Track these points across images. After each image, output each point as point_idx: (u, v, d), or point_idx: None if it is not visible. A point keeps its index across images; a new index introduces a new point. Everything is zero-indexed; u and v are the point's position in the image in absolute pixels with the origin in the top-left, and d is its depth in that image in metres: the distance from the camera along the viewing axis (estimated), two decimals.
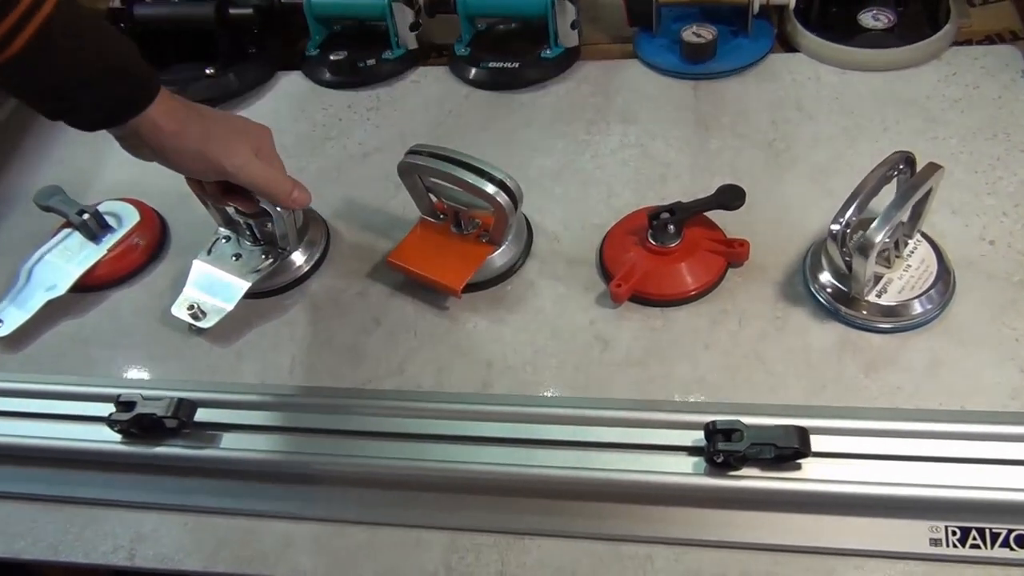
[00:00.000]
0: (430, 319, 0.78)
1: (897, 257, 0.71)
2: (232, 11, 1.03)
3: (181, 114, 0.69)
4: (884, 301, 0.69)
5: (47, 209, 0.87)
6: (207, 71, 1.04)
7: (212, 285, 0.81)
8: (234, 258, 0.82)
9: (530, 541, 0.63)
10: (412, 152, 0.75)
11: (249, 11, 1.03)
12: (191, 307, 0.80)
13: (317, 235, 0.85)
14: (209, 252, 0.83)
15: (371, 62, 1.03)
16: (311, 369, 0.75)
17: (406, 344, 0.76)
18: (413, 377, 0.74)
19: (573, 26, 0.97)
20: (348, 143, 0.97)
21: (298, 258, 0.83)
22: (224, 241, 0.84)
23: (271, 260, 0.81)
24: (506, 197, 0.72)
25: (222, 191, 0.77)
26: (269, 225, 0.80)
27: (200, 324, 0.79)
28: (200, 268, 0.82)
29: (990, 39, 0.94)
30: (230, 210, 0.82)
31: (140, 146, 0.70)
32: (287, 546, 0.65)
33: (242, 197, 0.77)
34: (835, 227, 0.67)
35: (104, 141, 1.01)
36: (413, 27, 1.03)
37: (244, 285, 0.80)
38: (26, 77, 0.63)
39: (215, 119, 0.72)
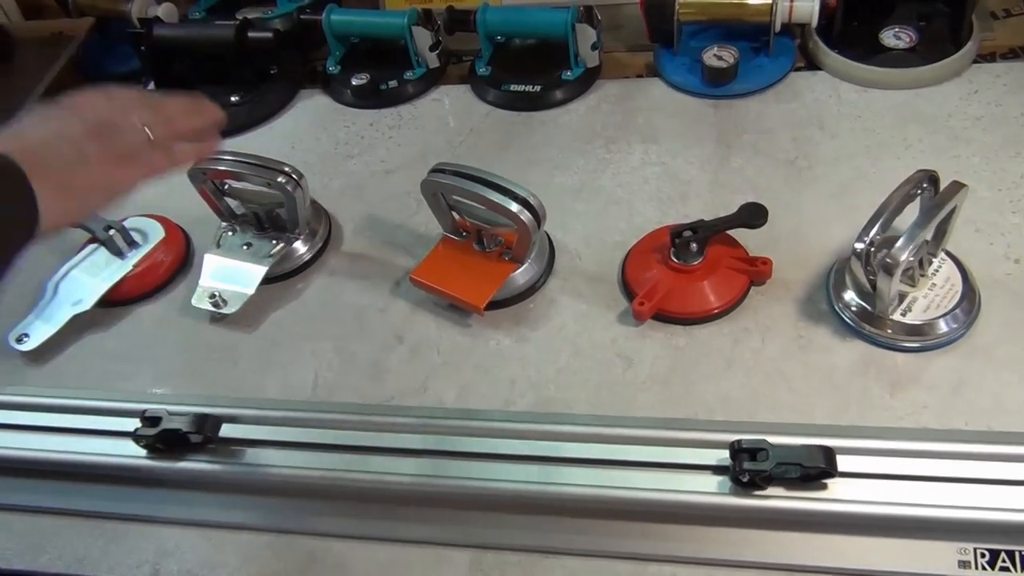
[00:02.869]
0: (453, 336, 0.78)
1: (922, 276, 0.70)
2: (252, 35, 1.04)
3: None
4: (909, 320, 0.69)
5: (73, 224, 0.88)
6: (231, 99, 1.05)
7: (228, 274, 0.84)
8: (245, 247, 0.85)
9: (555, 560, 0.63)
10: (435, 170, 0.76)
11: (268, 35, 1.04)
12: (212, 296, 0.82)
13: (319, 217, 0.89)
14: (218, 245, 0.86)
15: (393, 84, 1.04)
16: (334, 386, 0.76)
17: (429, 361, 0.76)
18: (436, 394, 0.74)
19: (594, 47, 0.98)
20: (370, 161, 0.97)
21: (301, 245, 0.86)
22: (230, 233, 0.87)
23: (282, 244, 0.84)
24: (529, 215, 0.72)
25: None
26: (274, 211, 0.83)
27: (223, 311, 0.81)
28: (212, 260, 0.85)
29: (1014, 52, 0.94)
30: (232, 204, 0.86)
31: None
32: (311, 562, 0.65)
33: None
34: (859, 245, 0.67)
35: None
36: (433, 47, 1.04)
37: (261, 270, 0.83)
38: None
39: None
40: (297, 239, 0.85)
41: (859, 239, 0.67)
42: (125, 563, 0.68)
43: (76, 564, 0.68)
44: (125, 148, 0.62)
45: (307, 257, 0.86)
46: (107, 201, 0.62)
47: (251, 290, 0.82)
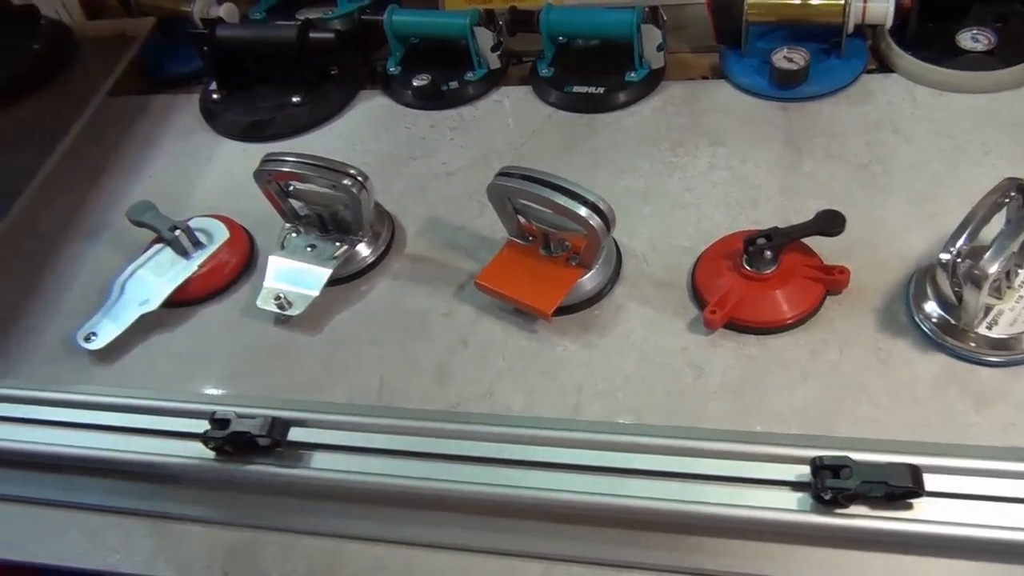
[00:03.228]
0: (518, 342, 0.77)
1: (1008, 288, 0.68)
2: (313, 35, 1.04)
3: None
4: (994, 333, 0.67)
5: (139, 224, 0.88)
6: (293, 100, 1.05)
7: (293, 276, 0.83)
8: (309, 249, 0.85)
9: (626, 574, 0.62)
10: (502, 174, 0.75)
11: (330, 36, 1.03)
12: (277, 298, 0.82)
13: (382, 225, 0.88)
14: (282, 247, 0.85)
15: (454, 85, 1.03)
16: (400, 390, 0.75)
17: (494, 367, 0.76)
18: (502, 400, 0.73)
19: (659, 48, 0.96)
20: (432, 162, 0.97)
21: (364, 248, 0.86)
22: (294, 235, 0.86)
23: (345, 246, 0.84)
24: (599, 220, 0.71)
25: None
26: (339, 213, 0.83)
27: (288, 312, 0.81)
28: (277, 262, 0.85)
29: None
30: (296, 205, 0.85)
31: None
32: (378, 569, 0.65)
33: None
34: (945, 256, 0.65)
35: (194, 159, 1.04)
36: (495, 48, 1.03)
37: (326, 272, 0.82)
38: None
39: None
40: (360, 241, 0.85)
41: (945, 249, 0.65)
42: (195, 566, 0.68)
43: (145, 565, 0.69)
44: None
45: (370, 259, 0.86)
46: None
47: (316, 292, 0.82)
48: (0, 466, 0.76)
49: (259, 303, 0.82)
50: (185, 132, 1.09)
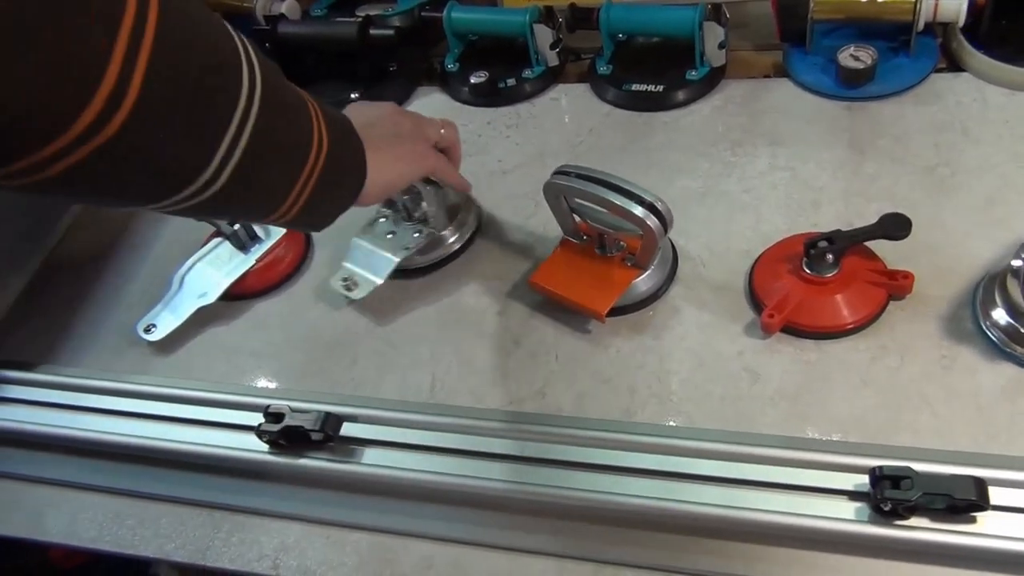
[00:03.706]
0: (571, 342, 0.76)
1: None
2: (373, 32, 1.04)
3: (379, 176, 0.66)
4: None
5: (199, 218, 0.90)
6: (351, 96, 1.06)
7: (367, 260, 0.84)
8: (389, 235, 0.85)
9: None
10: (559, 172, 0.74)
11: (390, 33, 1.04)
12: (345, 279, 0.83)
13: (468, 213, 0.87)
14: (368, 230, 0.86)
15: (511, 82, 1.03)
16: (451, 389, 0.75)
17: (547, 367, 0.75)
18: (554, 400, 0.72)
19: (721, 46, 0.95)
20: (487, 160, 0.96)
21: (449, 235, 0.85)
22: (382, 220, 0.86)
23: (420, 237, 0.84)
24: (656, 220, 0.70)
25: None
26: (423, 204, 0.82)
27: (352, 295, 0.82)
28: (358, 244, 0.85)
29: None
30: None
31: None
32: (427, 567, 0.65)
33: None
34: (1017, 263, 0.63)
35: None
36: (553, 45, 1.03)
37: (394, 260, 0.82)
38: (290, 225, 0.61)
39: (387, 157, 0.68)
40: (438, 234, 0.85)
41: (1017, 255, 0.63)
42: (246, 556, 0.69)
43: (200, 554, 0.70)
44: (424, 134, 0.75)
45: (456, 246, 0.86)
46: (410, 178, 0.73)
47: (380, 279, 0.82)
48: (60, 453, 0.78)
49: (331, 282, 0.83)
50: None
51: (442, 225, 0.85)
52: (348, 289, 0.82)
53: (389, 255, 0.83)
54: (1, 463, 0.80)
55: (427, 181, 0.79)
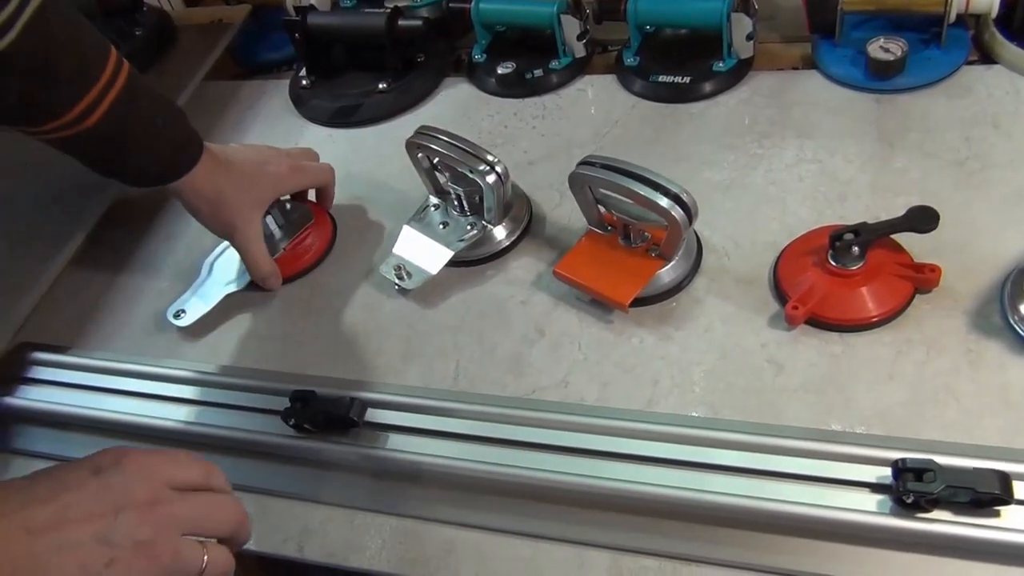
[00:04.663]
0: (594, 332, 0.77)
1: None
2: (402, 23, 1.05)
3: (214, 180, 0.80)
4: None
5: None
6: (379, 87, 1.07)
7: (419, 249, 0.84)
8: (441, 226, 0.85)
9: (697, 568, 0.61)
10: (584, 163, 0.74)
11: (419, 23, 1.05)
12: (397, 268, 0.83)
13: (521, 211, 0.87)
14: (419, 218, 0.86)
15: (538, 73, 1.03)
16: (475, 377, 0.76)
17: (570, 356, 0.75)
18: (577, 390, 0.73)
19: (749, 37, 0.94)
20: (514, 151, 0.97)
21: (500, 232, 0.85)
22: (433, 209, 0.87)
23: (475, 231, 0.84)
24: (681, 211, 0.70)
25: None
26: (478, 197, 0.82)
27: (404, 285, 0.83)
28: (409, 233, 0.86)
29: None
30: (441, 179, 0.86)
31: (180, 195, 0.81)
32: (449, 552, 0.66)
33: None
34: None
35: (283, 143, 1.06)
36: (580, 36, 1.03)
37: (448, 253, 0.83)
38: (90, 147, 0.73)
39: (237, 184, 0.82)
40: (492, 228, 0.84)
41: None
42: (272, 538, 0.70)
43: None
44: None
45: (507, 243, 0.86)
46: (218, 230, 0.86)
47: (434, 271, 0.82)
48: (90, 433, 0.80)
49: (381, 270, 0.84)
50: (274, 117, 1.11)
51: (497, 221, 0.84)
52: (400, 279, 0.83)
53: (443, 248, 0.83)
54: (32, 442, 0.81)
55: (478, 176, 0.79)
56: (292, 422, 0.71)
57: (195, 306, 0.87)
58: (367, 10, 1.11)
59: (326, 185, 0.92)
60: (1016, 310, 0.67)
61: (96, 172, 0.77)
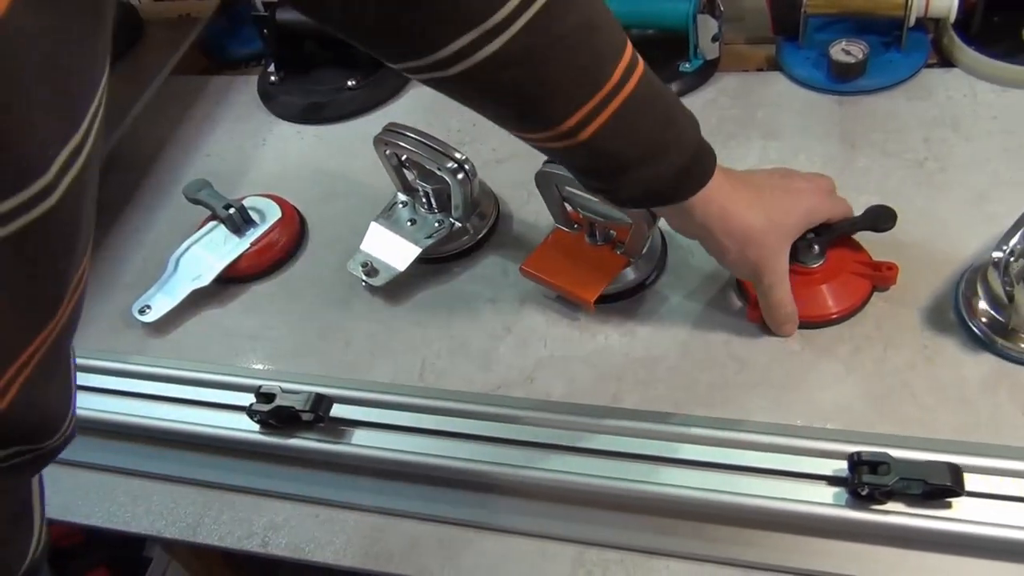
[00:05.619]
0: (561, 329, 0.77)
1: None
2: None
3: (734, 197, 0.64)
4: None
5: (195, 202, 0.90)
6: (349, 83, 1.06)
7: (386, 246, 0.84)
8: (409, 223, 0.85)
9: (659, 561, 0.62)
10: (550, 161, 0.75)
11: None
12: (365, 264, 0.83)
13: (489, 209, 0.87)
14: (387, 215, 0.86)
15: None
16: (442, 372, 0.76)
17: (536, 353, 0.76)
18: (543, 386, 0.73)
19: (714, 39, 0.95)
20: (483, 149, 0.97)
21: (467, 229, 0.85)
22: (401, 206, 0.87)
23: (443, 228, 0.84)
24: (645, 210, 0.71)
25: None
26: (446, 194, 0.83)
27: (371, 281, 0.83)
28: (376, 230, 0.85)
29: None
30: (410, 176, 0.86)
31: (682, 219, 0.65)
32: (414, 546, 0.66)
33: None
34: (998, 254, 0.64)
35: (250, 139, 1.06)
36: None
37: (416, 250, 0.83)
38: (578, 159, 0.60)
39: (771, 204, 0.66)
40: (459, 225, 0.85)
41: (998, 248, 0.64)
42: (236, 533, 0.70)
43: (190, 531, 0.71)
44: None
45: (474, 241, 0.86)
46: (742, 268, 0.69)
47: (401, 268, 0.82)
48: None
49: (349, 266, 0.84)
50: (243, 113, 1.11)
51: (465, 218, 0.85)
52: (368, 275, 0.83)
53: (411, 245, 0.83)
54: None
55: (446, 174, 0.79)
56: (257, 418, 0.71)
57: (161, 302, 0.86)
58: None
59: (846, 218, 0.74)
60: (970, 308, 0.69)
61: (580, 183, 0.66)
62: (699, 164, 0.61)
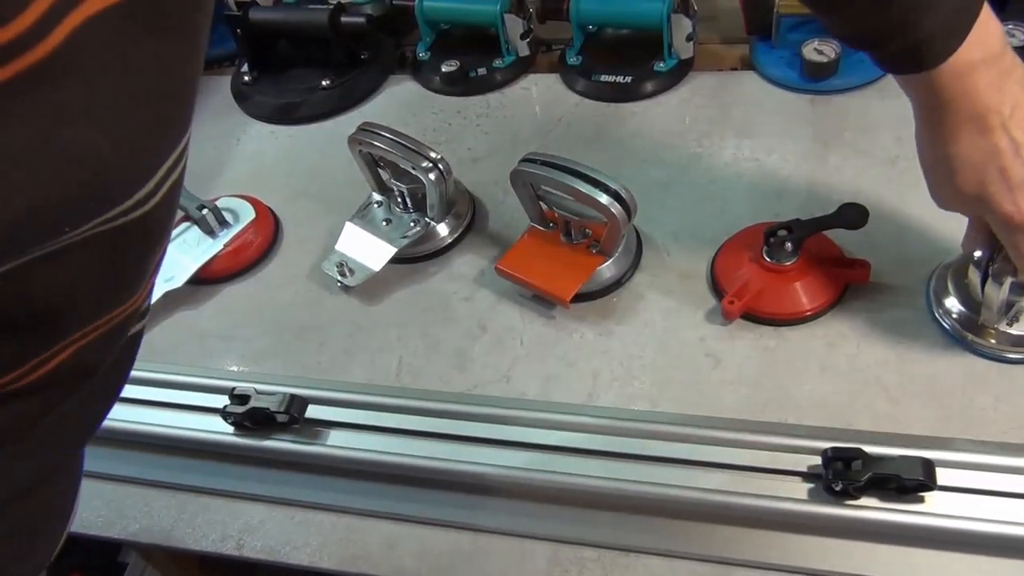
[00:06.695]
0: (537, 328, 0.77)
1: None
2: (344, 20, 1.04)
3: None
4: (1015, 330, 0.66)
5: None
6: (323, 83, 1.06)
7: (361, 246, 0.84)
8: (384, 223, 0.85)
9: (635, 558, 0.62)
10: (525, 160, 0.75)
11: (362, 20, 1.04)
12: (340, 264, 0.83)
13: (464, 208, 0.87)
14: (362, 215, 0.86)
15: (482, 71, 1.04)
16: (418, 372, 0.76)
17: (512, 352, 0.76)
18: (519, 385, 0.73)
19: (688, 38, 0.96)
20: (458, 148, 0.97)
21: (443, 229, 0.85)
22: (376, 206, 0.87)
23: (418, 228, 0.84)
24: (620, 208, 0.71)
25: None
26: (421, 194, 0.82)
27: (346, 281, 0.82)
28: (351, 230, 0.85)
29: None
30: (384, 175, 0.86)
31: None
32: (391, 547, 0.66)
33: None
34: (978, 252, 0.64)
35: (224, 139, 1.05)
36: (524, 35, 1.03)
37: (391, 250, 0.83)
38: None
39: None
40: (434, 225, 0.85)
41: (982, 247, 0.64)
42: (211, 536, 0.69)
43: (164, 535, 0.70)
44: None
45: (450, 240, 0.86)
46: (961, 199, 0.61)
47: (376, 268, 0.82)
48: None
49: (324, 266, 0.84)
50: (216, 113, 1.10)
51: (440, 218, 0.85)
52: (343, 275, 0.83)
53: (386, 245, 0.83)
54: None
55: (420, 173, 0.79)
56: (231, 420, 0.70)
57: None
58: (311, 6, 1.10)
59: None
60: (941, 304, 0.69)
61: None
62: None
